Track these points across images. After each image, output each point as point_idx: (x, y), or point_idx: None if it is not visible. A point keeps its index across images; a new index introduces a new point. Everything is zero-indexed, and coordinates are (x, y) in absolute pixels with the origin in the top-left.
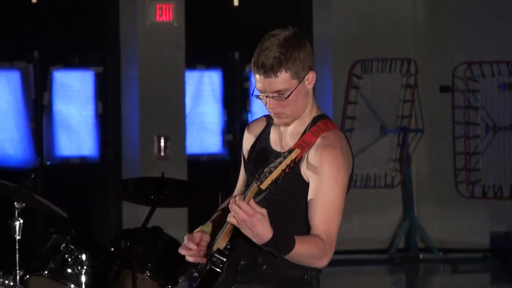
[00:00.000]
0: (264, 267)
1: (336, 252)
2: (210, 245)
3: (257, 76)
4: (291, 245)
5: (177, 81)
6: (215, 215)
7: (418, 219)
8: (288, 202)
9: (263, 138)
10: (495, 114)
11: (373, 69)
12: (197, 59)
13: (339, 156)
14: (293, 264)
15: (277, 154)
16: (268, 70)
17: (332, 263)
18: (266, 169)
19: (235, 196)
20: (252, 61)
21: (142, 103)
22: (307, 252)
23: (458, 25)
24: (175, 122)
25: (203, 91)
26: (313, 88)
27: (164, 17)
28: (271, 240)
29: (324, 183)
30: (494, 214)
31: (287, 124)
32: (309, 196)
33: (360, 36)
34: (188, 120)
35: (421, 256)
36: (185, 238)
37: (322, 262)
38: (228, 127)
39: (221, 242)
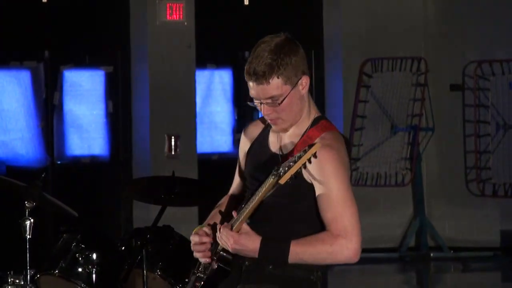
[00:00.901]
0: (270, 267)
1: None
2: (212, 244)
3: (250, 83)
4: (286, 249)
5: (187, 80)
6: (211, 215)
7: (428, 217)
8: (291, 204)
9: (261, 141)
10: (506, 113)
11: (383, 68)
12: (208, 58)
13: (335, 155)
14: (299, 265)
15: (276, 157)
16: (260, 77)
17: None
18: (283, 164)
19: (228, 199)
20: (245, 68)
21: (152, 102)
22: (312, 251)
23: (469, 23)
24: (185, 121)
25: (213, 90)
26: (311, 91)
27: (175, 16)
28: (260, 249)
29: (326, 181)
30: (504, 213)
31: (285, 130)
32: (316, 196)
33: (370, 34)
34: (199, 119)
35: (431, 254)
36: (195, 235)
37: (341, 256)
38: (239, 126)
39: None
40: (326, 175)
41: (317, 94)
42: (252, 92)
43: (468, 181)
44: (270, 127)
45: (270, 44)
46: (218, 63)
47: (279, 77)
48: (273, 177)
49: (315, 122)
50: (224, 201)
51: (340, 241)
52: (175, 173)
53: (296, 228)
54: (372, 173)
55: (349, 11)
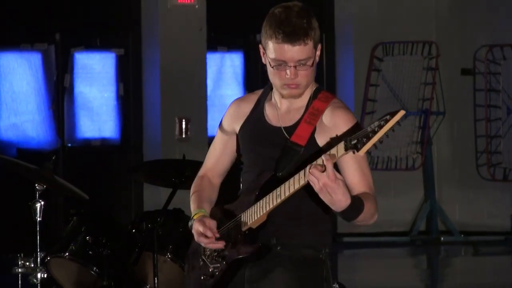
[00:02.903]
0: (278, 248)
1: (357, 235)
2: (219, 228)
3: (284, 45)
4: (362, 206)
5: (198, 63)
6: (198, 199)
7: (439, 201)
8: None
9: (256, 116)
10: None
11: (394, 52)
12: (219, 41)
13: (351, 115)
14: (307, 245)
15: (279, 130)
16: (299, 38)
17: (353, 245)
18: (355, 135)
19: (313, 163)
20: (274, 32)
21: (163, 85)
22: (369, 210)
23: (480, 7)
24: (196, 104)
25: (224, 73)
26: (322, 74)
27: None
28: (350, 205)
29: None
30: None
31: (299, 96)
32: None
33: (382, 18)
34: (209, 102)
35: (442, 238)
36: (200, 227)
37: (375, 217)
38: None
39: (255, 223)
40: (350, 134)
41: (328, 77)
42: (284, 56)
43: (479, 165)
44: (263, 101)
45: (294, 9)
46: (229, 46)
47: (311, 39)
48: (344, 148)
49: (315, 93)
50: (203, 185)
51: (376, 201)
52: (185, 156)
53: (314, 200)
54: (383, 157)
55: None
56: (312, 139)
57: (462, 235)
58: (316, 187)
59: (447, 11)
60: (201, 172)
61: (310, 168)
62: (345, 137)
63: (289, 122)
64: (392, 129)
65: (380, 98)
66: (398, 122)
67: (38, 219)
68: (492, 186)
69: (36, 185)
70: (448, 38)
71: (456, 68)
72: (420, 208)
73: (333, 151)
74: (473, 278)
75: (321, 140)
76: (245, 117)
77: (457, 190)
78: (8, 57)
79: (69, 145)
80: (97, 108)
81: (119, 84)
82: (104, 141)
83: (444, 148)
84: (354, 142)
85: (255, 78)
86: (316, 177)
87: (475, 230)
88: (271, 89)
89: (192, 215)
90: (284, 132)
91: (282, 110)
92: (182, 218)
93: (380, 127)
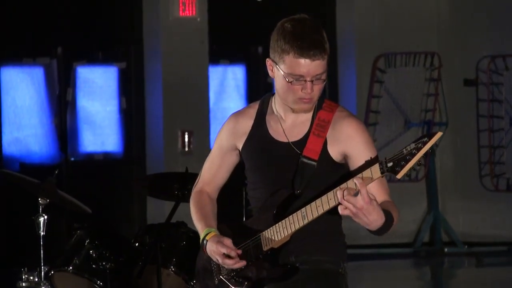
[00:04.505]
0: (297, 264)
1: (361, 246)
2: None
3: (302, 60)
4: (392, 218)
5: (200, 76)
6: (204, 215)
7: (442, 212)
8: (326, 188)
9: (260, 133)
10: None
11: (396, 63)
12: (221, 54)
13: (360, 122)
14: (327, 260)
15: (286, 146)
16: (319, 53)
17: (357, 257)
18: (392, 158)
19: (342, 188)
20: (292, 46)
21: (166, 98)
22: (397, 219)
23: (482, 18)
24: (199, 117)
25: (226, 86)
26: (336, 80)
27: (188, 12)
28: (385, 224)
29: (361, 149)
30: None
31: (310, 110)
32: (354, 168)
33: (384, 30)
34: (212, 114)
35: (445, 249)
36: (222, 248)
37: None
38: None
39: (278, 243)
40: (360, 142)
41: (331, 89)
42: (302, 70)
43: (482, 176)
44: (264, 116)
45: (307, 23)
46: (232, 59)
47: (326, 53)
48: (380, 171)
49: (319, 103)
50: (203, 200)
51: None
52: (188, 169)
53: (333, 210)
54: None
55: (362, 6)
56: (324, 152)
57: (466, 246)
58: (353, 211)
59: (449, 22)
60: (198, 186)
61: (343, 194)
62: (379, 160)
63: (296, 136)
64: (429, 150)
65: (382, 110)
66: (436, 143)
67: (42, 233)
68: (495, 197)
69: (39, 199)
70: (450, 48)
71: (459, 79)
72: (423, 219)
73: (366, 173)
74: None
75: (334, 152)
76: (247, 134)
77: (461, 201)
78: (10, 72)
79: (72, 159)
80: (99, 122)
81: (121, 98)
82: (106, 155)
83: (447, 159)
84: (390, 165)
85: (257, 91)
86: (352, 202)
87: (478, 241)
88: (269, 101)
89: (203, 235)
90: (294, 148)
91: (288, 124)
92: (185, 231)
93: (419, 149)
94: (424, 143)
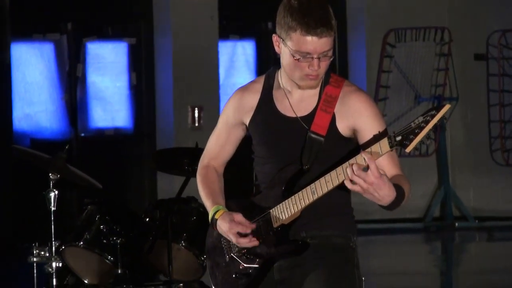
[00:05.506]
0: (308, 240)
1: (371, 221)
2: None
3: (309, 38)
4: (403, 193)
5: (210, 52)
6: (211, 192)
7: (453, 187)
8: (334, 163)
9: (267, 108)
10: None
11: (406, 38)
12: (231, 29)
13: (367, 96)
14: (337, 234)
15: (294, 121)
16: (325, 30)
17: (368, 232)
18: (400, 131)
19: (353, 164)
20: (299, 23)
21: (175, 74)
22: (408, 193)
23: None
24: (208, 93)
25: (236, 61)
26: (335, 60)
27: None
28: (396, 199)
29: (370, 123)
30: None
31: (317, 86)
32: (363, 142)
33: (394, 4)
34: (222, 90)
35: (456, 224)
36: (238, 227)
37: (410, 196)
38: None
39: (288, 219)
40: (368, 117)
41: (341, 64)
42: (309, 47)
43: (493, 151)
44: (270, 91)
45: None
46: (241, 34)
47: (333, 30)
48: (389, 145)
49: (326, 78)
50: (210, 176)
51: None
52: (198, 145)
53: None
54: None
55: None
56: (332, 128)
57: (477, 221)
58: (364, 187)
59: None
60: (204, 161)
61: (352, 170)
62: (388, 134)
63: (304, 112)
64: (438, 123)
65: (392, 85)
66: (444, 116)
67: (52, 208)
68: (506, 171)
69: (50, 174)
70: (460, 23)
71: (469, 54)
72: (434, 194)
73: (374, 148)
74: (487, 264)
75: (342, 127)
76: (253, 109)
77: (471, 175)
78: (21, 48)
79: (82, 134)
80: (109, 98)
81: (131, 74)
82: (117, 131)
83: (458, 134)
84: (399, 138)
85: (267, 66)
86: (362, 177)
87: (489, 216)
88: (275, 76)
89: (212, 213)
90: (302, 122)
91: (295, 99)
92: (195, 206)
93: (427, 122)
94: (432, 116)
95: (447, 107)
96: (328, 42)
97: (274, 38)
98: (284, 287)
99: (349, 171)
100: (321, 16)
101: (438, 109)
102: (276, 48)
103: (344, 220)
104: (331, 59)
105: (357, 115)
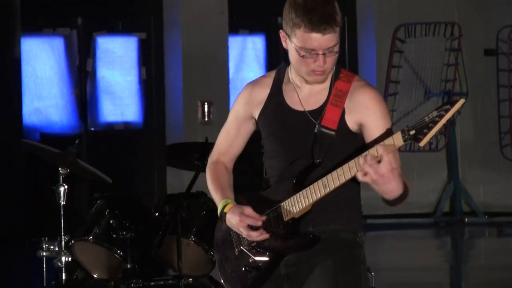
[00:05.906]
0: (316, 234)
1: (381, 216)
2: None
3: (313, 35)
4: (407, 190)
5: (220, 46)
6: (220, 187)
7: (463, 182)
8: (345, 158)
9: (276, 102)
10: None
11: (416, 33)
12: (240, 24)
13: (377, 91)
14: (344, 229)
15: (302, 115)
16: (330, 26)
17: (377, 227)
18: (413, 125)
19: (364, 155)
20: (302, 20)
21: (185, 68)
22: (408, 193)
23: None
24: (218, 87)
25: (246, 56)
26: (344, 56)
27: None
28: (401, 194)
29: (377, 119)
30: None
31: (324, 81)
32: (369, 138)
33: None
34: (232, 85)
35: (466, 219)
36: (247, 220)
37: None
38: None
39: (299, 212)
40: (376, 113)
41: (350, 60)
42: (314, 44)
43: (503, 146)
44: (280, 85)
45: None
46: (251, 29)
47: (338, 26)
48: (403, 139)
49: (336, 73)
50: (220, 171)
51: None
52: (208, 139)
53: (350, 181)
54: None
55: None
56: (342, 122)
57: (486, 216)
58: (374, 178)
59: None
60: (214, 156)
61: (365, 159)
62: (393, 133)
63: (313, 106)
64: (452, 118)
65: (402, 80)
66: (458, 111)
67: (62, 203)
68: None
69: (59, 169)
70: (470, 18)
71: (479, 49)
72: (443, 189)
73: (388, 141)
74: (497, 259)
75: (350, 122)
76: (263, 103)
77: (481, 171)
78: (31, 42)
79: (92, 129)
80: (119, 92)
81: (141, 68)
82: (127, 125)
83: (468, 129)
84: (412, 132)
85: (277, 61)
86: (374, 168)
87: (499, 211)
88: (286, 71)
89: (221, 206)
90: (310, 117)
91: (304, 93)
92: (205, 201)
93: (441, 116)
94: (447, 110)
95: (461, 101)
96: (333, 38)
97: (281, 33)
98: (290, 282)
99: (361, 160)
100: (325, 12)
101: (452, 103)
102: (284, 44)
103: (352, 215)
104: (337, 54)
105: (365, 111)
